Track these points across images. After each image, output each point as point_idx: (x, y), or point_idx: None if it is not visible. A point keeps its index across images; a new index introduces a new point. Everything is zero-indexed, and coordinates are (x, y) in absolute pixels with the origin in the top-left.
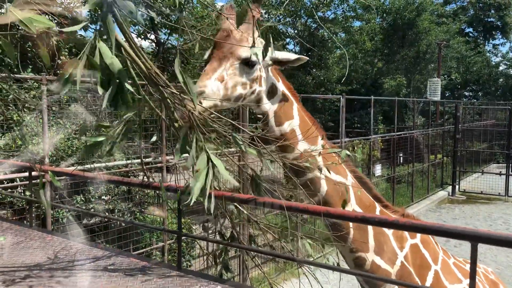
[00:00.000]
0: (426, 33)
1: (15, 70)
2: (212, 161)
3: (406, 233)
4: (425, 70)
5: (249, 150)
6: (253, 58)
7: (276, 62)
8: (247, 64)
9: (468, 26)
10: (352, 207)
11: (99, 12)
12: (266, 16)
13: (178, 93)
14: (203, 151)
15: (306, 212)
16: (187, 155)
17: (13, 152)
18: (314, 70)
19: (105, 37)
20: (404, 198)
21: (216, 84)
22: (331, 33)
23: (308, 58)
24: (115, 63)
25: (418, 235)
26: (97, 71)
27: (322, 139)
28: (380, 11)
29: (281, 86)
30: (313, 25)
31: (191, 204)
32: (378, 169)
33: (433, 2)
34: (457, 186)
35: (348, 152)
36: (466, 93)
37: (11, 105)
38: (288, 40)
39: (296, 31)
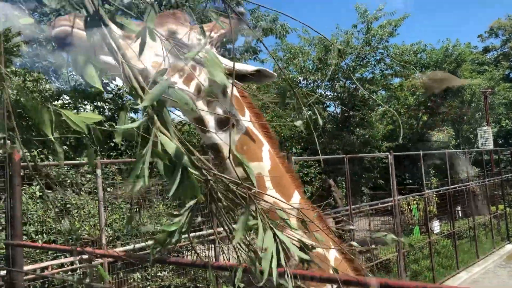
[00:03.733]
0: (469, 83)
1: (72, 155)
2: (279, 237)
3: None
4: (473, 119)
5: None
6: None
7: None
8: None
9: None
10: None
11: (155, 104)
12: (304, 82)
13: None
14: (268, 228)
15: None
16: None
17: (71, 235)
18: (357, 129)
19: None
20: (468, 254)
21: None
22: (370, 92)
23: (275, 74)
24: (179, 152)
25: None
26: (162, 160)
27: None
28: (418, 66)
29: (246, 121)
30: (351, 86)
31: (261, 284)
32: (436, 226)
33: (472, 52)
34: None
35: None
36: None
37: (69, 189)
38: (328, 102)
39: (335, 94)
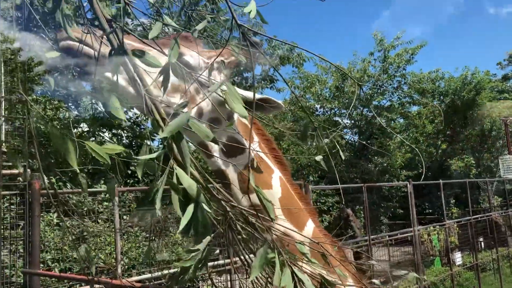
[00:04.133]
0: (489, 111)
1: (90, 183)
2: (297, 276)
3: None
4: (494, 147)
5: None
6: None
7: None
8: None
9: None
10: None
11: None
12: (321, 109)
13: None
14: (286, 266)
15: None
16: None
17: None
18: (376, 157)
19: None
20: (492, 287)
21: None
22: (388, 120)
23: (281, 105)
24: (193, 187)
25: None
26: (177, 194)
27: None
28: (436, 94)
29: (256, 148)
30: (369, 114)
31: None
32: (458, 257)
33: (491, 80)
34: None
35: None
36: None
37: (86, 217)
38: (345, 130)
39: (352, 121)
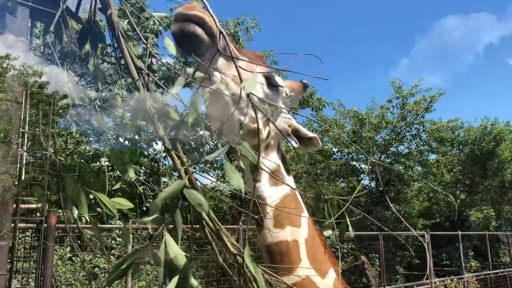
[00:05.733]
0: (509, 162)
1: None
2: None
3: None
4: None
5: None
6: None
7: (295, 133)
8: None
9: None
10: None
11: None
12: (338, 153)
13: None
14: None
15: None
16: None
17: None
18: (392, 204)
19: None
20: None
21: None
22: (406, 168)
23: (320, 144)
24: (180, 258)
25: None
26: (159, 267)
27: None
28: (455, 143)
29: (291, 181)
30: (387, 160)
31: None
32: None
33: (511, 131)
34: None
35: None
36: None
37: (99, 253)
38: (362, 176)
39: (370, 167)
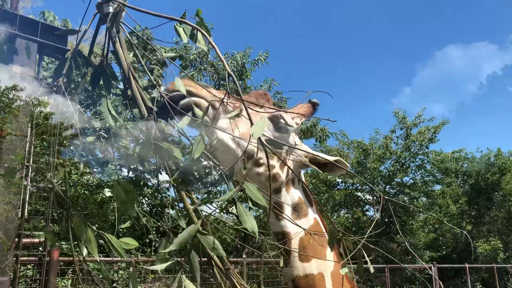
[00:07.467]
0: None
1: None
2: None
3: None
4: None
5: None
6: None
7: (313, 161)
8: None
9: None
10: None
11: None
12: (343, 184)
13: None
14: None
15: None
16: None
17: None
18: (398, 236)
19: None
20: None
21: None
22: (411, 198)
23: (348, 166)
24: None
25: None
26: None
27: None
28: (460, 174)
29: (314, 212)
30: (392, 191)
31: None
32: None
33: None
34: None
35: None
36: None
37: (100, 285)
38: (367, 206)
39: (374, 198)
